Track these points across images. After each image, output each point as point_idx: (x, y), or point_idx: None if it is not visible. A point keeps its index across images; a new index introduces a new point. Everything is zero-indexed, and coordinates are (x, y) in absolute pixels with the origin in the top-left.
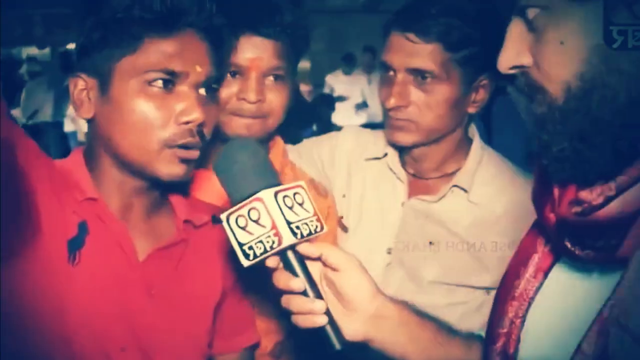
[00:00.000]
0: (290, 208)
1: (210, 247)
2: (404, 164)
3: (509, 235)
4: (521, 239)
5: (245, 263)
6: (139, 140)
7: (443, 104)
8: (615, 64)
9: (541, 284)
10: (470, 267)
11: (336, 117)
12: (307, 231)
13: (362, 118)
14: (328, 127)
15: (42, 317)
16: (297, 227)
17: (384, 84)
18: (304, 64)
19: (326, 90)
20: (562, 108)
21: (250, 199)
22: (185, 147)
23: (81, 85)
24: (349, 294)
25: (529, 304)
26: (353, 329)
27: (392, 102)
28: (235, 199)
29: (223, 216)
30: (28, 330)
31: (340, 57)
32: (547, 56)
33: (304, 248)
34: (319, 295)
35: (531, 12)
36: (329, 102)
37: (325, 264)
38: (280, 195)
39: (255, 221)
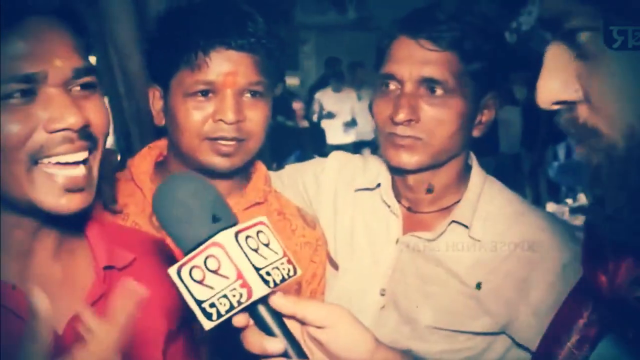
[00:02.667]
0: (256, 251)
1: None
2: (398, 196)
3: (514, 275)
4: (563, 298)
5: (208, 325)
6: (6, 167)
7: (455, 120)
8: None
9: (586, 357)
10: (470, 310)
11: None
12: (280, 277)
13: (351, 136)
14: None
15: None
16: (268, 274)
17: (383, 98)
18: (293, 81)
19: (315, 107)
20: (622, 158)
21: (206, 244)
22: (65, 162)
23: None
24: (344, 353)
25: None
26: None
27: (401, 116)
28: (184, 248)
29: (172, 270)
30: None
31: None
32: (602, 91)
33: (277, 303)
34: (302, 355)
35: (583, 35)
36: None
37: (304, 322)
38: (242, 237)
39: (215, 272)
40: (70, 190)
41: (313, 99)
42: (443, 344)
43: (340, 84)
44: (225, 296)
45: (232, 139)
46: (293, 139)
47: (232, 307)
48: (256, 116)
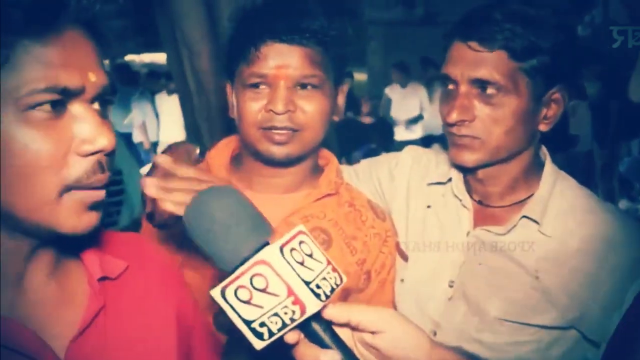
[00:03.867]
0: (302, 264)
1: (142, 292)
2: (469, 190)
3: (582, 271)
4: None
5: (259, 345)
6: (31, 189)
7: (511, 118)
8: None
9: None
10: (538, 304)
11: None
12: (329, 288)
13: (418, 132)
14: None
15: None
16: (318, 287)
17: (445, 98)
18: (361, 77)
19: (383, 102)
20: None
21: (250, 263)
22: (92, 187)
23: None
24: (402, 356)
25: None
26: None
27: (454, 116)
28: (226, 267)
29: (216, 292)
30: None
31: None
32: None
33: (330, 314)
34: None
35: None
36: (388, 128)
37: (357, 329)
38: (286, 251)
39: (263, 290)
40: (91, 208)
41: (382, 94)
42: (510, 335)
43: (406, 78)
44: (276, 314)
45: (283, 129)
46: (360, 134)
47: (284, 325)
48: (310, 108)
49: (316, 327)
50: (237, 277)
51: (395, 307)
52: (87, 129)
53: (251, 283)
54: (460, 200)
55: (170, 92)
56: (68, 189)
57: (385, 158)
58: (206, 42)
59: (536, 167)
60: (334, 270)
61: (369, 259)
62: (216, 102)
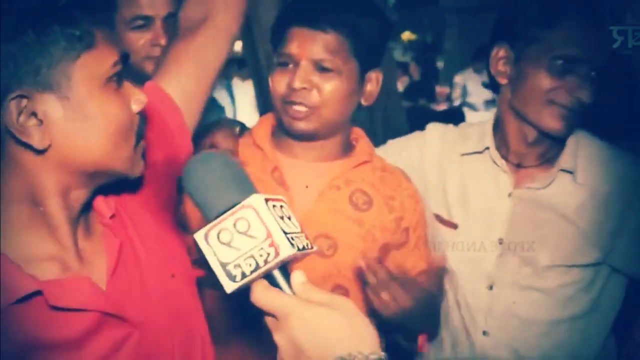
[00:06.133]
0: (282, 218)
1: (146, 209)
2: (505, 156)
3: (617, 209)
4: None
5: (230, 287)
6: (125, 145)
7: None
8: None
9: None
10: (579, 246)
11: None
12: (302, 245)
13: (490, 114)
14: None
15: None
16: (293, 239)
17: (553, 73)
18: (440, 64)
19: (457, 92)
20: None
21: (238, 206)
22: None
23: (22, 105)
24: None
25: None
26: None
27: (582, 93)
28: (213, 214)
29: (200, 235)
30: None
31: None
32: None
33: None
34: None
35: None
36: (458, 115)
37: None
38: (270, 204)
39: (244, 233)
40: (141, 157)
41: (453, 83)
42: (559, 279)
43: (481, 64)
44: (252, 256)
45: (299, 104)
46: (430, 121)
47: (257, 267)
48: (326, 89)
49: (278, 277)
50: (222, 220)
51: (441, 269)
52: (136, 92)
53: (234, 226)
54: (499, 166)
55: (245, 79)
56: (138, 141)
57: (411, 137)
58: None
59: None
60: (307, 238)
61: (406, 216)
62: None
